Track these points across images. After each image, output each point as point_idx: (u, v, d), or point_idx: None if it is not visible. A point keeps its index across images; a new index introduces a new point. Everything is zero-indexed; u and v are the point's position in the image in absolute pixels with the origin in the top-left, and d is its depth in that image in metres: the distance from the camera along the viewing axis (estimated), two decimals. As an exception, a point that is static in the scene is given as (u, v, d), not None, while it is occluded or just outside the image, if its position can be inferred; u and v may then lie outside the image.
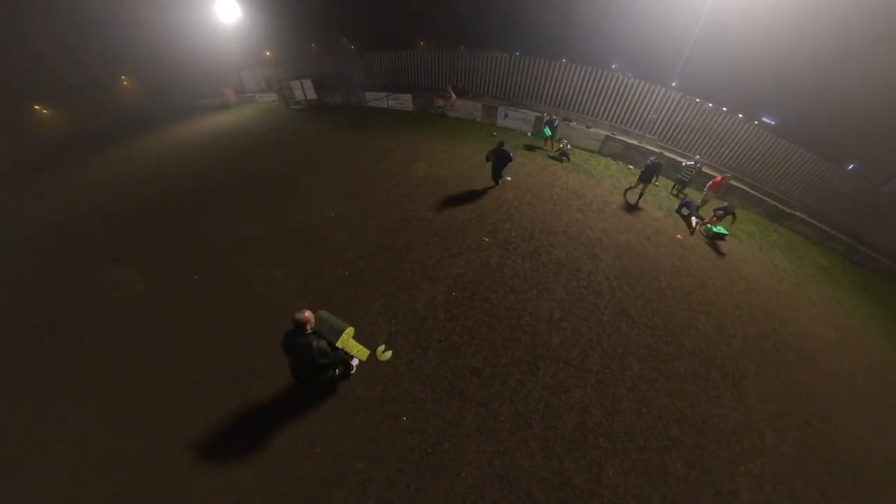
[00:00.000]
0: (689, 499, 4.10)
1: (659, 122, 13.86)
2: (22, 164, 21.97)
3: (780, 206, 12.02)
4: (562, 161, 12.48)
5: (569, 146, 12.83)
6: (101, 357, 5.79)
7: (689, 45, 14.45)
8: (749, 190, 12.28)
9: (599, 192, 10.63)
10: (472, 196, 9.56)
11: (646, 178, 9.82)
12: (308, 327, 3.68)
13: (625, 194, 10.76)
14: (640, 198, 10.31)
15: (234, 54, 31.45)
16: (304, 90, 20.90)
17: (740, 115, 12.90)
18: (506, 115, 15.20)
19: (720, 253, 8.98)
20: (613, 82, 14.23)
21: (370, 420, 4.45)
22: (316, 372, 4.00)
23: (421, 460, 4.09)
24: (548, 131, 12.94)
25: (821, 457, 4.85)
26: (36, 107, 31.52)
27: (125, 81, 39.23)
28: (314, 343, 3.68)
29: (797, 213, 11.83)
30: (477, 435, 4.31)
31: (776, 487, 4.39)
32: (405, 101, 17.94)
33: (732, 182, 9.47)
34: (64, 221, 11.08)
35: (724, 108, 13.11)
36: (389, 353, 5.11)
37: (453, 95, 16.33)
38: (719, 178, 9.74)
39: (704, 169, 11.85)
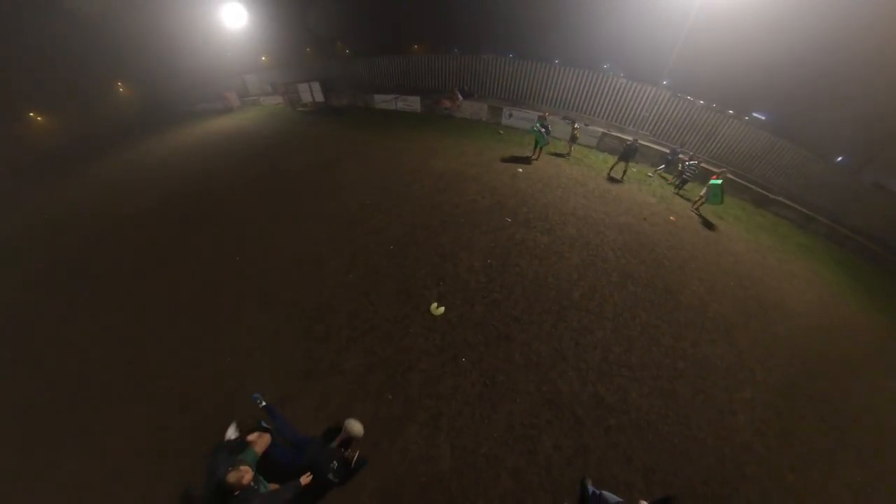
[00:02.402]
0: (697, 416, 5.07)
1: (651, 119, 15.08)
2: (35, 165, 22.18)
3: (764, 192, 13.17)
4: (566, 156, 13.44)
5: (577, 127, 13.33)
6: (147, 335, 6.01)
7: (678, 44, 15.20)
8: (735, 178, 13.44)
9: (599, 182, 11.76)
10: (489, 186, 10.57)
11: (624, 157, 11.79)
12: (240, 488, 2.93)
13: (609, 172, 12.45)
14: (621, 173, 12.29)
15: (234, 58, 32.05)
16: (313, 92, 21.61)
17: (731, 112, 14.04)
18: (510, 116, 16.24)
19: (709, 232, 10.09)
20: (607, 83, 15.42)
21: (433, 364, 5.27)
22: None
23: (482, 391, 4.94)
24: (540, 123, 13.03)
25: (803, 391, 5.82)
26: (34, 113, 31.63)
27: (121, 87, 39.42)
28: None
29: (780, 199, 12.97)
30: (525, 369, 5.24)
31: (766, 409, 5.40)
32: (413, 103, 18.78)
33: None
34: (91, 221, 11.34)
35: (714, 105, 14.23)
36: (442, 309, 6.01)
37: (460, 97, 17.27)
38: (717, 174, 10.62)
39: (702, 164, 13.00)
